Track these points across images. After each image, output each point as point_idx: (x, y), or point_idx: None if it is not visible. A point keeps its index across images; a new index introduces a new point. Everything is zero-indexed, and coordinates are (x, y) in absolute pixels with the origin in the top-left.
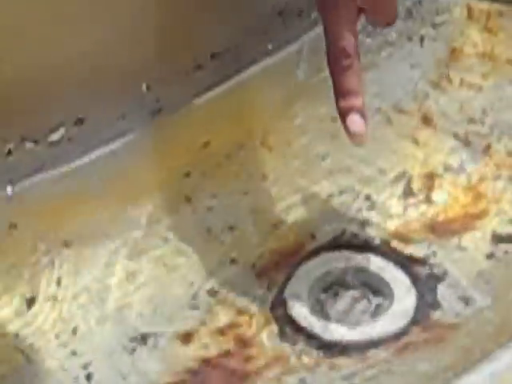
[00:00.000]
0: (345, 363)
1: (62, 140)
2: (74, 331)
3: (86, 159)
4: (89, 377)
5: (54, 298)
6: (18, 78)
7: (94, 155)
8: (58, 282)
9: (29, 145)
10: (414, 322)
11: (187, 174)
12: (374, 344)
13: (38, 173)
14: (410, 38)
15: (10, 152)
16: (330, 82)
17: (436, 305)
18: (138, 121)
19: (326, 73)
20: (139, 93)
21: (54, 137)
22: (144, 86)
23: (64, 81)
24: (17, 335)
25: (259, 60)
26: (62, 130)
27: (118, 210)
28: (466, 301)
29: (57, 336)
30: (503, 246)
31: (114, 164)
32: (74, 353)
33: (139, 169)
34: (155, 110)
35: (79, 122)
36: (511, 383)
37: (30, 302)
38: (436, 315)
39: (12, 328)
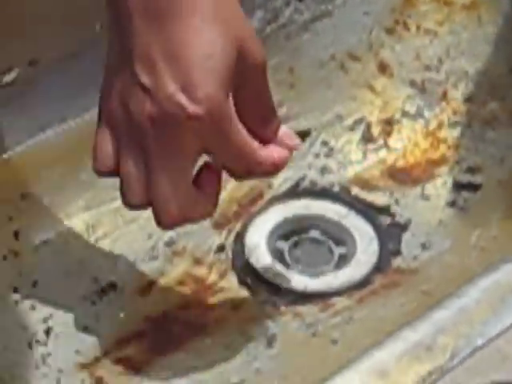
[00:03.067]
0: (308, 311)
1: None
2: (34, 285)
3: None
4: (48, 331)
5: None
6: None
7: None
8: (16, 236)
9: None
10: (377, 269)
11: None
12: (336, 293)
13: None
14: None
15: None
16: (286, 31)
17: (398, 252)
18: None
19: (282, 21)
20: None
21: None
22: (98, 26)
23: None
24: None
25: None
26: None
27: (76, 161)
28: (427, 247)
29: (15, 290)
30: (464, 194)
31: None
32: (33, 307)
33: None
34: None
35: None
36: (480, 318)
37: None
38: (397, 262)
39: None
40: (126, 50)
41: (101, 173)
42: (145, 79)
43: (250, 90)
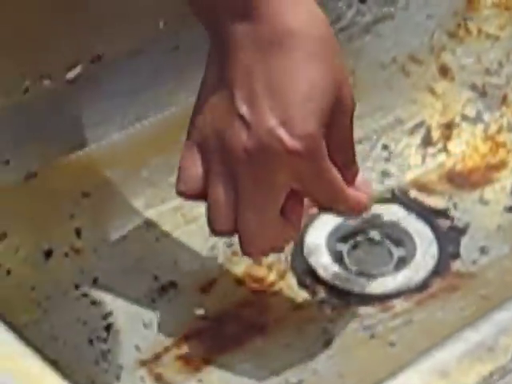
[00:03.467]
0: (366, 313)
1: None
2: (95, 282)
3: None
4: (108, 327)
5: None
6: (35, 15)
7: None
8: (78, 233)
9: (46, 82)
10: (435, 272)
11: None
12: (395, 295)
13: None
14: None
15: (27, 90)
16: (348, 33)
17: (457, 256)
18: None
19: (344, 23)
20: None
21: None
22: (161, 23)
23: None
24: (33, 287)
25: None
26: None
27: (138, 159)
28: (486, 251)
29: (76, 287)
30: None
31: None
32: (93, 304)
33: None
34: (172, 46)
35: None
36: None
37: (48, 253)
38: (456, 265)
39: (29, 280)
40: (227, 75)
41: (185, 195)
42: (244, 111)
43: (336, 132)
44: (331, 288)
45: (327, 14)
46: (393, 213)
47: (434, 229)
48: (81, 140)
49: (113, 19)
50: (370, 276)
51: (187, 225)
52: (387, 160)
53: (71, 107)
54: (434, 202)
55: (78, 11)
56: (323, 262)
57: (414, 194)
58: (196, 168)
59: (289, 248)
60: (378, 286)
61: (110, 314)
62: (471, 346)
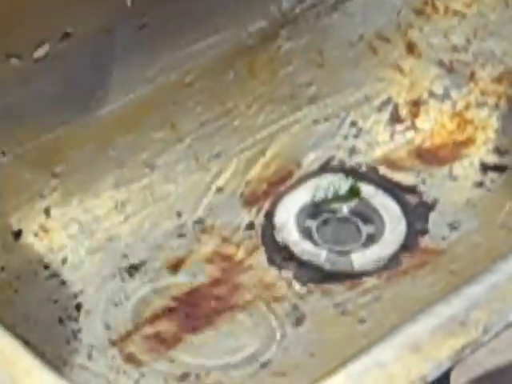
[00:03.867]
0: (336, 290)
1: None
2: (64, 262)
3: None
4: (78, 307)
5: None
6: None
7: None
8: (47, 213)
9: (14, 61)
10: (404, 248)
11: (175, 102)
12: (364, 272)
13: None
14: None
15: None
16: (316, 11)
17: (425, 231)
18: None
19: (311, 1)
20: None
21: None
22: (129, 1)
23: None
24: (3, 268)
25: None
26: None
27: (106, 139)
28: (455, 227)
29: (46, 267)
30: (491, 175)
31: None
32: (63, 283)
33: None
34: (140, 24)
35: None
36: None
37: (17, 234)
38: (425, 241)
39: None
40: None
41: None
42: None
43: None
44: (301, 265)
45: None
46: (362, 189)
47: (403, 205)
48: (49, 120)
49: None
50: (340, 253)
51: (156, 203)
52: (355, 137)
53: (39, 86)
54: (403, 178)
55: None
56: (293, 239)
57: (382, 170)
58: None
59: (258, 225)
60: (347, 263)
61: (80, 293)
62: (443, 320)
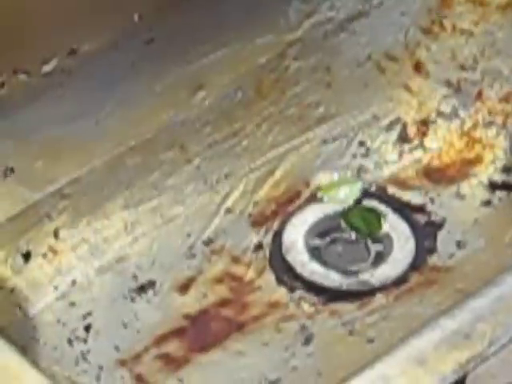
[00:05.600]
0: (344, 309)
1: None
2: (73, 283)
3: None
4: (88, 328)
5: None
6: (9, 9)
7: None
8: (56, 234)
9: (22, 77)
10: (413, 267)
11: (183, 123)
12: (372, 291)
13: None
14: None
15: (2, 85)
16: (322, 32)
17: (434, 250)
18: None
19: (318, 18)
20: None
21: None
22: (136, 16)
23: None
24: (12, 290)
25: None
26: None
27: (116, 159)
28: (462, 246)
29: (55, 288)
30: (498, 193)
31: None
32: (72, 304)
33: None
34: (148, 39)
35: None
36: None
37: (26, 256)
38: (433, 260)
39: (9, 282)
40: None
41: None
42: None
43: None
44: (309, 285)
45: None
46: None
47: (411, 224)
48: (57, 135)
49: (88, 13)
50: (348, 272)
51: (165, 224)
52: (364, 156)
53: (47, 102)
54: (411, 197)
55: (53, 5)
56: (301, 259)
57: (391, 189)
58: None
59: (267, 245)
60: (355, 282)
61: (89, 314)
62: (448, 333)
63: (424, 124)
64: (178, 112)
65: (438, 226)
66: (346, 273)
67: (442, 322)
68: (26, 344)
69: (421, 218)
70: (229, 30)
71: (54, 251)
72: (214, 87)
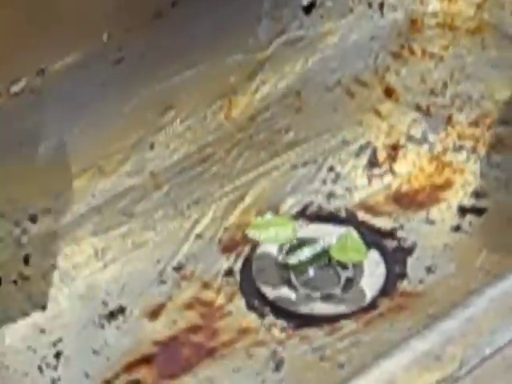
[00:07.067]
0: (315, 335)
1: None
2: (43, 309)
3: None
4: (58, 354)
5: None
6: None
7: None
8: (26, 261)
9: None
10: (383, 293)
11: (152, 146)
12: (343, 316)
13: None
14: (370, 4)
15: None
16: (296, 47)
17: (404, 275)
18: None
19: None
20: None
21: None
22: (105, 36)
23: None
24: None
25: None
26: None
27: (85, 184)
28: (433, 271)
29: (25, 315)
30: (469, 218)
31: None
32: (42, 331)
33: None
34: (117, 59)
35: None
36: (488, 328)
37: None
38: (403, 285)
39: None
40: None
41: None
42: None
43: None
44: (280, 310)
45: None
46: (340, 234)
47: (381, 249)
48: (27, 157)
49: (57, 32)
50: (319, 298)
51: (135, 250)
52: (334, 182)
53: (16, 121)
54: (381, 223)
55: (22, 25)
56: (271, 284)
57: (360, 215)
58: None
59: (237, 271)
60: (326, 308)
61: (59, 341)
62: (418, 355)
63: (394, 148)
64: (147, 134)
65: (408, 251)
66: (316, 298)
67: (413, 344)
68: None
69: (391, 244)
70: (198, 49)
71: (24, 277)
72: (183, 107)
